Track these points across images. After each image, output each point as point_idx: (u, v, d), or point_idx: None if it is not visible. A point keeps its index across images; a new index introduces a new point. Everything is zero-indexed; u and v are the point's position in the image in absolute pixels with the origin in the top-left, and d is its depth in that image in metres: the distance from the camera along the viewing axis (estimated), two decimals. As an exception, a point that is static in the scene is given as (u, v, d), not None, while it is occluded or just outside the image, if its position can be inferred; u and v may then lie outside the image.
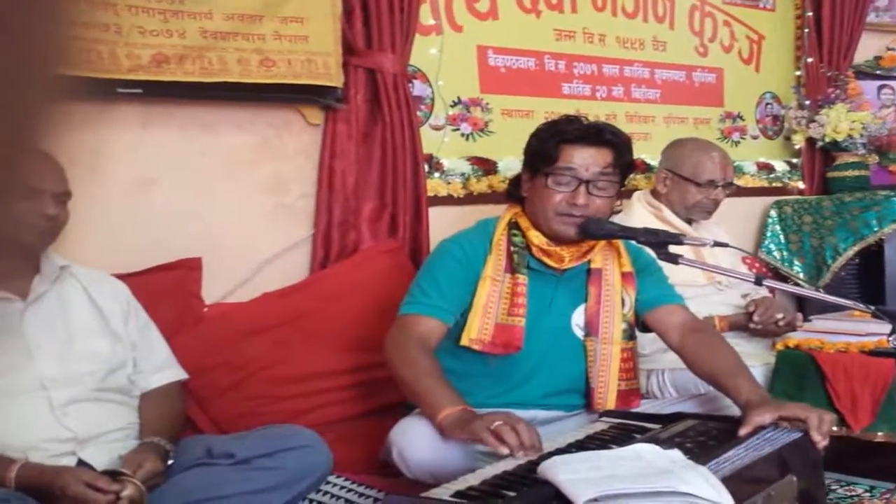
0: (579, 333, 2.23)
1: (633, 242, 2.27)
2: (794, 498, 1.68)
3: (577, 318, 2.23)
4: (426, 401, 1.97)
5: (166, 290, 2.41)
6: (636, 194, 3.13)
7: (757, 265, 3.76)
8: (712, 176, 2.99)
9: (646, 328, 2.32)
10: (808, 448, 1.79)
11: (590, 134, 2.16)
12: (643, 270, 2.30)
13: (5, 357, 1.81)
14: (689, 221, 3.02)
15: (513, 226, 2.24)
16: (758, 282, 2.14)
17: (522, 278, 2.16)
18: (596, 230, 2.17)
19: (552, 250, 2.18)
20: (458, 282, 2.15)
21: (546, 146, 2.15)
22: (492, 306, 2.14)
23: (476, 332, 2.13)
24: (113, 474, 1.70)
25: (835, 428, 2.11)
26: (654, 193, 3.08)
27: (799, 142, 4.17)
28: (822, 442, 1.79)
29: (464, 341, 2.12)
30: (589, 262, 2.24)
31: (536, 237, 2.18)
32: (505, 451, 1.73)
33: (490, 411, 1.86)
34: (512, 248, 2.20)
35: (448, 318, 2.13)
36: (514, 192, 2.29)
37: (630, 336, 2.25)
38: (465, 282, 2.16)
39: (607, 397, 2.20)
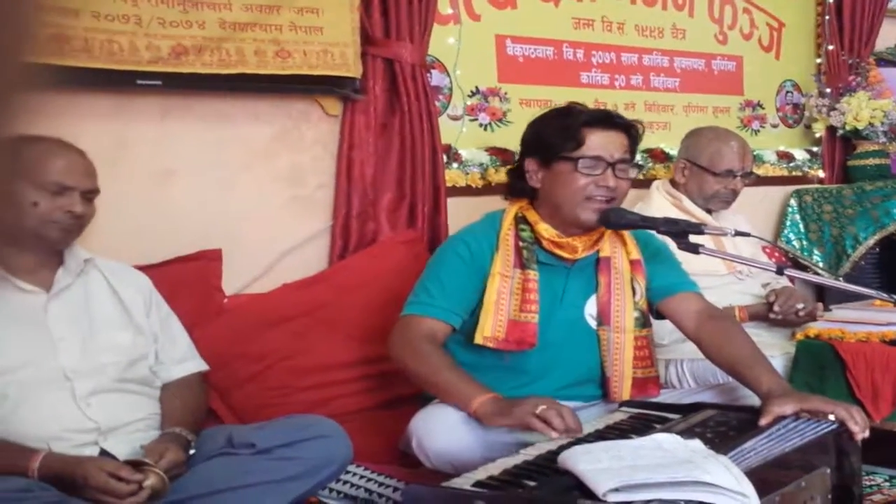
0: (593, 323, 2.23)
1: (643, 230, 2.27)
2: (828, 490, 1.67)
3: (590, 309, 2.23)
4: (453, 393, 1.98)
5: (187, 282, 2.42)
6: (655, 183, 3.12)
7: (776, 255, 3.73)
8: (730, 165, 2.97)
9: (660, 316, 2.31)
10: (845, 440, 1.77)
11: (606, 118, 2.18)
12: (654, 257, 2.29)
13: (29, 349, 1.83)
14: (709, 211, 3.01)
15: (520, 220, 2.22)
16: (779, 271, 2.13)
17: (533, 274, 2.16)
18: (617, 220, 2.16)
19: (564, 242, 2.17)
20: (464, 282, 2.15)
21: (570, 131, 2.14)
22: (503, 303, 2.14)
23: (490, 329, 2.12)
24: (135, 464, 1.71)
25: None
26: (674, 183, 3.07)
27: (819, 130, 4.13)
28: (861, 434, 1.78)
29: (478, 339, 2.12)
30: (598, 251, 2.23)
31: (546, 230, 2.17)
32: (554, 434, 1.75)
33: (528, 396, 1.87)
34: (521, 244, 2.19)
35: (453, 319, 2.13)
36: (520, 186, 2.25)
37: (643, 324, 2.24)
38: (471, 281, 2.15)
39: (623, 386, 2.20)
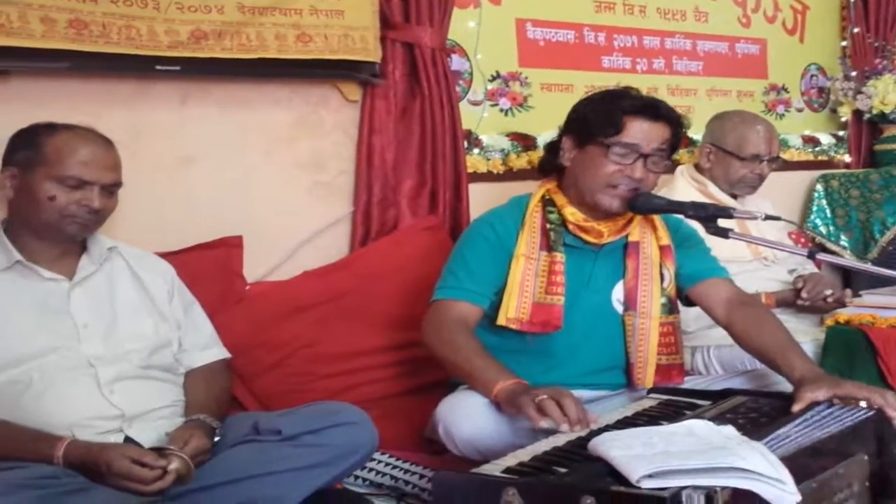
0: (619, 309, 2.21)
1: (673, 216, 2.23)
2: (866, 477, 1.63)
3: (618, 294, 2.21)
4: (479, 378, 1.96)
5: (208, 269, 2.40)
6: (679, 168, 3.08)
7: (802, 240, 3.69)
8: (756, 150, 2.93)
9: (689, 302, 2.28)
10: (884, 427, 1.73)
11: (651, 108, 2.14)
12: (683, 243, 2.27)
13: (53, 336, 1.81)
14: (734, 196, 2.97)
15: (547, 202, 2.20)
16: (811, 255, 2.08)
17: (560, 256, 2.14)
18: (644, 205, 2.14)
19: (589, 226, 2.15)
20: (490, 264, 2.14)
21: (611, 116, 2.11)
22: (528, 285, 2.12)
23: (514, 311, 2.11)
24: (159, 451, 1.70)
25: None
26: (698, 168, 3.03)
27: (845, 114, 4.08)
28: None
29: (501, 321, 2.11)
30: (626, 236, 2.20)
31: (572, 214, 2.16)
32: (544, 424, 1.72)
33: (540, 385, 1.84)
34: (548, 226, 2.17)
35: (482, 301, 2.12)
36: (551, 161, 2.24)
37: (670, 310, 2.21)
38: (498, 263, 2.14)
39: (646, 372, 2.18)
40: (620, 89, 2.21)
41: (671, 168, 3.12)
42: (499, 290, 2.15)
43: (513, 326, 2.11)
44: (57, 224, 1.84)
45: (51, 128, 1.88)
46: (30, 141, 1.86)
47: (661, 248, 2.22)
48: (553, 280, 2.12)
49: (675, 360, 2.21)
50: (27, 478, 1.54)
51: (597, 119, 2.13)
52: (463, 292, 2.11)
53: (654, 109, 2.13)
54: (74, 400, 1.77)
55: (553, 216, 2.18)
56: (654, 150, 2.11)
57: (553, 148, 2.26)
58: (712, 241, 2.24)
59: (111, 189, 1.90)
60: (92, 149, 1.87)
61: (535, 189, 2.26)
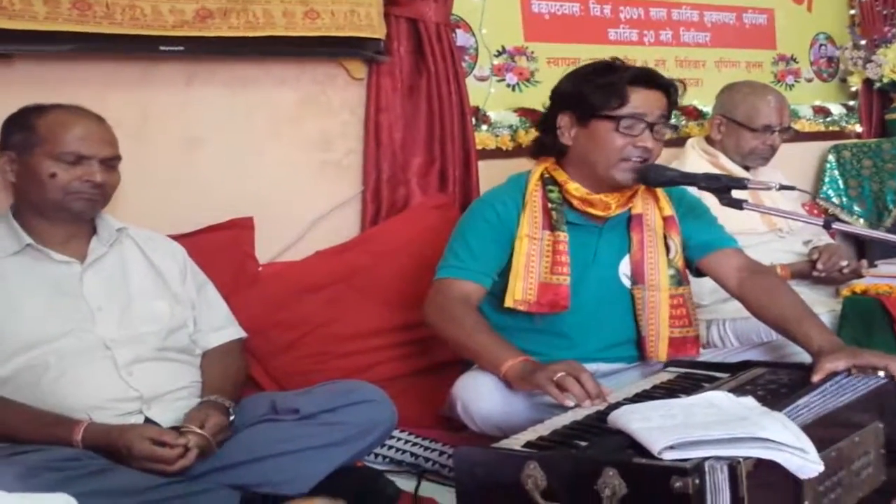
0: (626, 283, 2.19)
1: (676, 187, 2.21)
2: (881, 445, 1.63)
3: (624, 268, 2.20)
4: (485, 356, 1.96)
5: (220, 250, 2.39)
6: (690, 141, 3.06)
7: (816, 211, 3.66)
8: (768, 121, 2.91)
9: (700, 274, 2.26)
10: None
11: (648, 76, 2.12)
12: (689, 213, 2.25)
13: (67, 319, 1.81)
14: (746, 168, 2.94)
15: (547, 181, 2.17)
16: (827, 225, 2.07)
17: (563, 235, 2.12)
18: (656, 177, 2.12)
19: (596, 199, 2.13)
20: (492, 244, 2.12)
21: (614, 88, 2.07)
22: (533, 265, 2.11)
23: (521, 293, 2.09)
24: (177, 429, 1.70)
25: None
26: (709, 140, 3.00)
27: (855, 83, 4.05)
28: None
29: (508, 303, 2.09)
30: (630, 209, 2.19)
31: (576, 189, 2.13)
32: (569, 402, 1.71)
33: (554, 361, 1.83)
34: (550, 205, 2.14)
35: (484, 280, 2.11)
36: (550, 143, 2.20)
37: (679, 282, 2.20)
38: (498, 242, 2.13)
39: (659, 345, 2.16)
40: (606, 61, 2.17)
41: (678, 141, 3.12)
42: (501, 270, 2.13)
43: (521, 308, 2.09)
44: (62, 202, 1.84)
45: (41, 109, 1.89)
46: (23, 123, 1.87)
47: (665, 220, 2.21)
48: (557, 259, 2.11)
49: (689, 333, 2.19)
50: (48, 460, 1.54)
51: (598, 93, 2.09)
52: (465, 271, 2.10)
53: (650, 78, 2.12)
54: (92, 382, 1.76)
55: (553, 195, 2.15)
56: (657, 118, 2.09)
57: (548, 128, 2.20)
58: (726, 214, 2.21)
59: (111, 163, 1.90)
60: (85, 123, 1.87)
61: (533, 167, 2.23)
